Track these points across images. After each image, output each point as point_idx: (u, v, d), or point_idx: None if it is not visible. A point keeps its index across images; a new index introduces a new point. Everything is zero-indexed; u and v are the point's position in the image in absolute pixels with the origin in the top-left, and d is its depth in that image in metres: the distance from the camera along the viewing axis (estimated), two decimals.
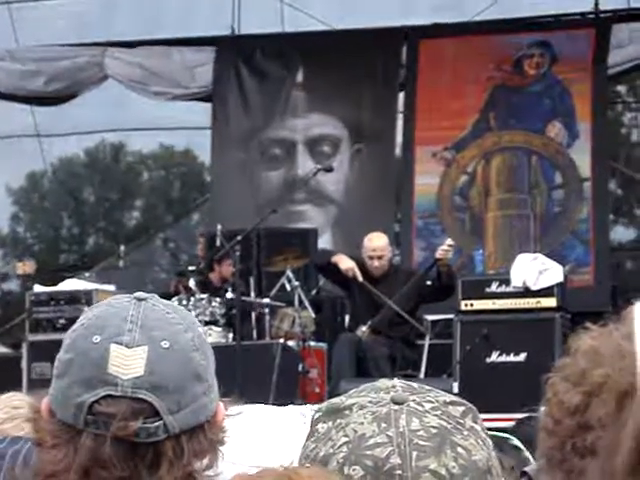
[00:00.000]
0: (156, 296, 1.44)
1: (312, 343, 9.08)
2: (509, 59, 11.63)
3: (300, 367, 8.66)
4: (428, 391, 1.27)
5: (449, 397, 1.27)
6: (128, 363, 1.35)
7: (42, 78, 12.55)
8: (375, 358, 8.26)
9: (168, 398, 1.35)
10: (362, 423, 1.21)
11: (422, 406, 1.24)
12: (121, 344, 1.36)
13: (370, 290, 8.52)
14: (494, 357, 8.13)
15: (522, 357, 8.05)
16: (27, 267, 9.00)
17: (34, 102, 12.95)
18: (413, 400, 1.24)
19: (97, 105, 13.20)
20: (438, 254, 8.48)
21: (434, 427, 1.22)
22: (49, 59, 12.60)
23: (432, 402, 1.25)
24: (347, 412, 1.23)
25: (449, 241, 8.70)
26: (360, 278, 8.51)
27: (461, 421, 1.24)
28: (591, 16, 11.71)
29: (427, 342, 8.87)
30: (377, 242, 8.71)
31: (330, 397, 1.44)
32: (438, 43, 11.77)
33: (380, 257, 8.62)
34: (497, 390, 7.72)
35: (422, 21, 11.83)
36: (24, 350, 9.23)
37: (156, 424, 1.34)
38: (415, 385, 1.28)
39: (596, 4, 11.64)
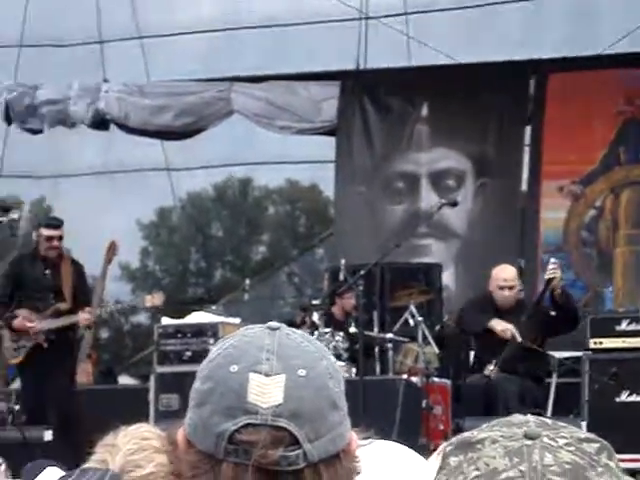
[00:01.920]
0: (286, 326, 1.43)
1: (436, 379, 9.00)
2: None
3: (424, 403, 8.59)
4: (562, 427, 1.24)
5: (583, 433, 1.24)
6: (267, 392, 1.35)
7: (171, 113, 12.82)
8: (505, 397, 8.15)
9: (307, 426, 1.34)
10: (494, 457, 1.19)
11: (556, 442, 1.21)
12: (259, 373, 1.35)
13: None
14: (624, 397, 7.94)
15: None
16: (155, 299, 9.14)
17: (162, 137, 13.22)
18: (546, 435, 1.21)
19: (224, 140, 13.41)
20: (547, 274, 8.44)
21: (567, 463, 1.19)
22: (177, 94, 12.86)
23: (566, 438, 1.22)
24: (479, 446, 1.21)
25: (552, 260, 8.64)
26: (519, 339, 8.40)
27: (595, 458, 1.21)
28: None
29: (554, 380, 8.72)
30: (508, 273, 8.71)
31: (454, 435, 1.41)
32: (568, 77, 11.64)
33: (511, 287, 8.60)
34: (627, 430, 7.52)
35: (550, 54, 11.72)
36: (151, 382, 9.36)
37: (296, 452, 1.34)
38: (549, 421, 1.25)
39: None
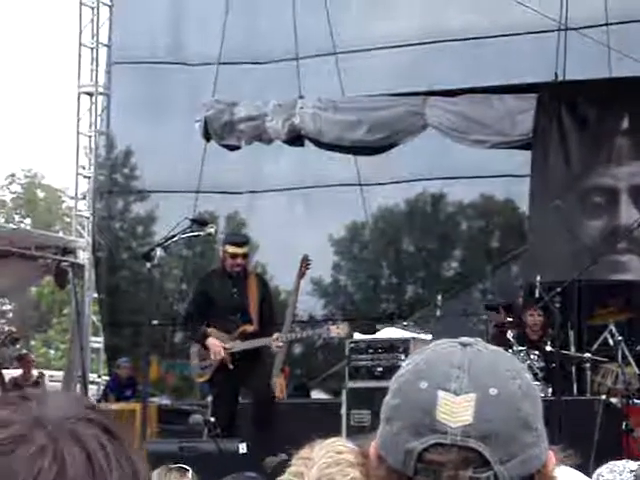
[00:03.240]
0: (481, 341, 1.40)
1: (636, 401, 8.71)
2: None
3: (624, 425, 8.34)
4: None
5: None
6: (456, 411, 1.33)
7: (363, 128, 12.84)
8: None
9: (497, 447, 1.32)
10: None
11: None
12: (449, 391, 1.34)
13: None
14: None
15: None
16: (341, 330, 9.21)
17: (356, 152, 13.27)
18: None
19: (416, 154, 13.33)
20: None
21: None
22: (370, 109, 12.88)
23: None
24: None
25: None
26: None
27: None
28: None
29: None
30: None
31: None
32: None
33: None
34: None
35: None
36: (343, 397, 9.36)
37: (486, 474, 1.31)
38: None
39: None
